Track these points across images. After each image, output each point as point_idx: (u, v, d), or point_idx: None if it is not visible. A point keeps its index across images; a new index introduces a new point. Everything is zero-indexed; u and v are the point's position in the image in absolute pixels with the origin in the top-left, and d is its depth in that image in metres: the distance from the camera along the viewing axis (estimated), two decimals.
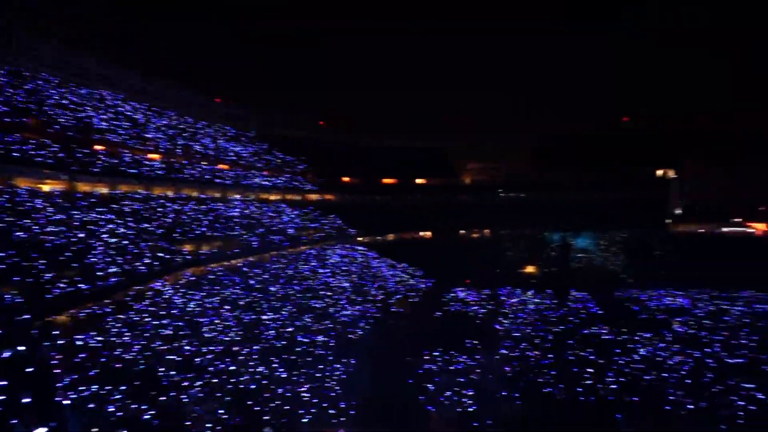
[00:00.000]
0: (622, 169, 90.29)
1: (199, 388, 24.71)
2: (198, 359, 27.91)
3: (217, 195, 59.43)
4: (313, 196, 77.88)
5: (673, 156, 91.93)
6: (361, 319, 42.26)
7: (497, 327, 43.35)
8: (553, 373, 31.46)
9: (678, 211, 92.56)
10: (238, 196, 62.04)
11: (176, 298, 35.85)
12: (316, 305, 42.58)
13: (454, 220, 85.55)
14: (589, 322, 44.54)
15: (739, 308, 47.80)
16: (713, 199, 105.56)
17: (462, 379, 30.29)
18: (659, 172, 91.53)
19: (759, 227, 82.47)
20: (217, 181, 60.27)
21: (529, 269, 74.39)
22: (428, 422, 25.76)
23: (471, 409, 26.38)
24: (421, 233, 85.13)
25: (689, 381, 29.43)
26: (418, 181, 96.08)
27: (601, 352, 35.22)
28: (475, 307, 51.06)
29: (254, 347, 30.96)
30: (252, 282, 44.00)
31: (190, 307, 34.80)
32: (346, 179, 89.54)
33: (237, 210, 57.17)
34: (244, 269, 46.93)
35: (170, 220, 46.62)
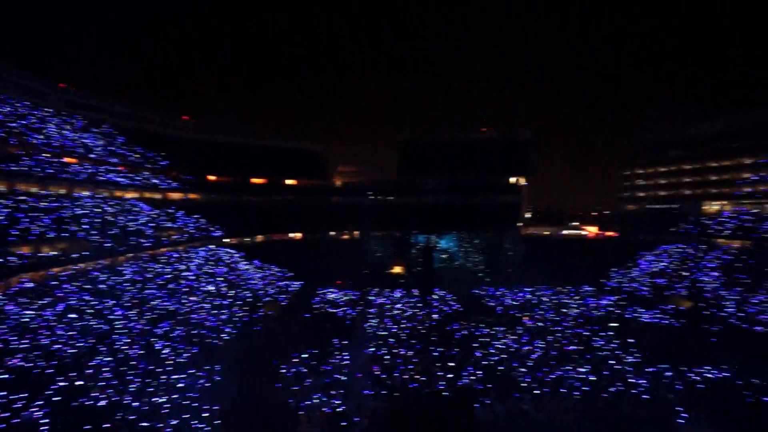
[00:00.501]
0: (480, 175, 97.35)
1: (37, 409, 22.05)
2: (36, 375, 24.89)
3: (63, 191, 53.16)
4: (176, 195, 73.08)
5: (525, 164, 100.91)
6: (227, 324, 40.75)
7: (366, 326, 44.43)
8: (417, 368, 33.14)
9: (527, 215, 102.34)
10: (87, 193, 56.06)
11: (10, 307, 31.57)
12: (178, 310, 40.15)
13: (325, 221, 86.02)
14: (451, 319, 47.56)
15: (577, 301, 54.31)
16: (555, 205, 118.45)
17: (328, 380, 30.64)
18: (512, 180, 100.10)
19: (591, 230, 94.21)
20: (63, 175, 53.92)
21: (397, 270, 77.23)
22: (297, 425, 25.65)
23: (339, 409, 26.78)
24: (291, 234, 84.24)
25: (537, 367, 32.92)
26: (289, 182, 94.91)
27: (462, 346, 37.87)
28: (345, 308, 51.83)
29: (106, 359, 28.34)
30: (102, 287, 40.18)
31: (26, 318, 30.83)
32: (212, 178, 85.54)
33: (86, 208, 51.66)
34: (94, 274, 42.66)
35: (1, 219, 40.71)
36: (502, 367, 33.06)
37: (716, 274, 54.74)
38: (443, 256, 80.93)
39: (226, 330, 39.35)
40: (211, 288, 49.36)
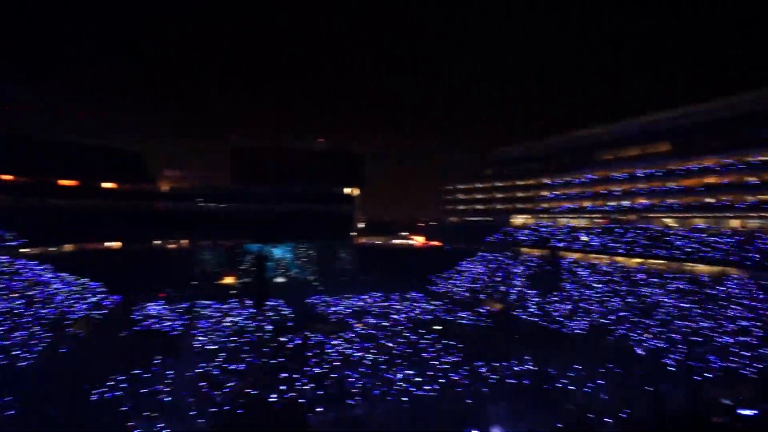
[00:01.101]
0: (315, 185, 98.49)
1: None
2: None
3: None
4: None
5: (358, 175, 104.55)
6: (24, 346, 35.21)
7: (193, 342, 41.94)
8: (249, 381, 32.24)
9: (361, 225, 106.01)
10: None
11: None
12: None
13: (148, 228, 79.15)
14: (283, 329, 47.14)
15: (407, 306, 57.70)
16: (386, 215, 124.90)
17: (154, 401, 28.34)
18: (347, 190, 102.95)
19: (418, 240, 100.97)
20: None
21: (228, 280, 74.28)
22: None
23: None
24: (109, 243, 75.73)
25: (369, 370, 34.23)
26: (106, 185, 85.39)
27: (295, 355, 37.80)
28: (170, 323, 48.35)
29: None
30: None
31: None
32: (7, 177, 73.19)
33: None
34: None
35: None
36: (334, 375, 33.73)
37: (521, 279, 62.70)
38: (277, 265, 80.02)
39: (24, 353, 33.99)
40: (3, 306, 42.18)
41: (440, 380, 32.53)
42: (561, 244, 66.38)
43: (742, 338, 36.39)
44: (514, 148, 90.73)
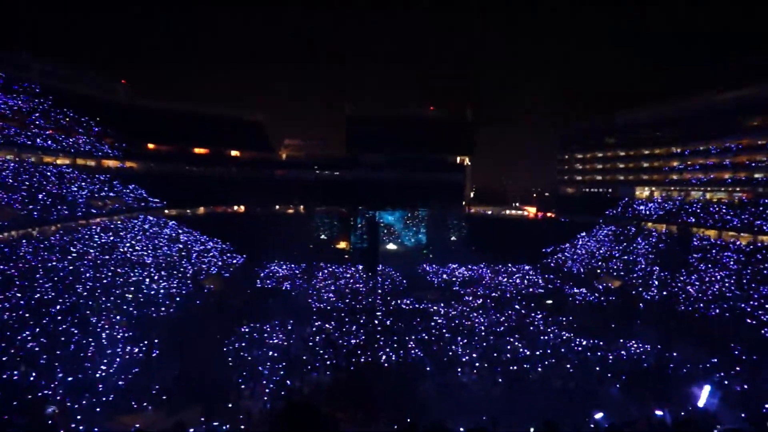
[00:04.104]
0: (427, 153, 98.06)
1: None
2: None
3: None
4: (113, 163, 69.38)
5: (470, 144, 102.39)
6: (169, 297, 39.61)
7: (310, 301, 44.52)
8: (360, 342, 33.67)
9: (471, 194, 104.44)
10: (10, 157, 52.23)
11: None
12: (115, 282, 38.51)
13: (269, 195, 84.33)
14: (395, 294, 48.42)
15: (517, 278, 56.50)
16: (497, 184, 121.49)
17: (275, 353, 30.62)
18: (458, 158, 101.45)
19: (531, 210, 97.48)
20: None
21: (342, 245, 77.34)
22: (241, 397, 25.55)
23: (285, 382, 26.90)
24: (235, 207, 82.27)
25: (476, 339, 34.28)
26: (233, 153, 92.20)
27: (405, 320, 38.76)
28: (290, 282, 51.70)
29: (36, 330, 26.93)
30: (30, 258, 37.85)
31: None
32: (152, 146, 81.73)
33: (9, 174, 48.15)
34: (16, 244, 40.04)
35: None
36: (442, 342, 34.10)
37: (644, 255, 58.18)
38: (388, 232, 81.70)
39: (167, 303, 38.25)
40: (149, 260, 47.62)
41: (550, 357, 31.59)
42: (692, 219, 60.33)
43: None
44: (641, 113, 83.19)
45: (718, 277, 46.36)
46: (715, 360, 29.93)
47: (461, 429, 14.27)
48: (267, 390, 26.03)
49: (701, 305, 42.14)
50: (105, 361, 26.00)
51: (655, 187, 75.06)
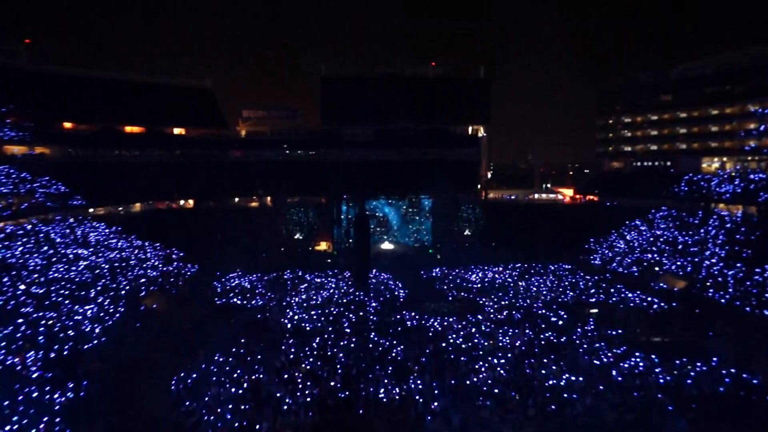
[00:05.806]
0: (429, 123, 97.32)
1: None
2: None
3: None
4: (18, 149, 68.65)
5: (484, 109, 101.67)
6: (98, 322, 39.27)
7: (284, 321, 44.31)
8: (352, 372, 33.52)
9: (488, 175, 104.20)
10: None
11: None
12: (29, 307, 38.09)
13: (224, 184, 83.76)
14: (392, 308, 48.27)
15: (552, 280, 56.49)
16: (523, 162, 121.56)
17: (239, 391, 30.47)
18: (470, 128, 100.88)
19: (567, 193, 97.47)
20: None
21: (322, 246, 77.12)
22: None
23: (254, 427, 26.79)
24: (181, 202, 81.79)
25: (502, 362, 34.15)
26: (176, 131, 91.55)
27: (409, 342, 38.63)
28: (256, 298, 51.50)
29: None
30: None
31: None
32: (69, 125, 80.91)
33: None
34: None
35: None
36: (457, 368, 33.97)
37: (716, 247, 58.20)
38: (382, 227, 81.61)
39: (98, 332, 37.91)
40: (70, 274, 47.24)
41: (597, 383, 31.49)
42: None
43: None
44: (705, 64, 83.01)
45: None
46: None
47: None
48: None
49: None
50: (19, 410, 25.63)
51: (728, 157, 75.19)
